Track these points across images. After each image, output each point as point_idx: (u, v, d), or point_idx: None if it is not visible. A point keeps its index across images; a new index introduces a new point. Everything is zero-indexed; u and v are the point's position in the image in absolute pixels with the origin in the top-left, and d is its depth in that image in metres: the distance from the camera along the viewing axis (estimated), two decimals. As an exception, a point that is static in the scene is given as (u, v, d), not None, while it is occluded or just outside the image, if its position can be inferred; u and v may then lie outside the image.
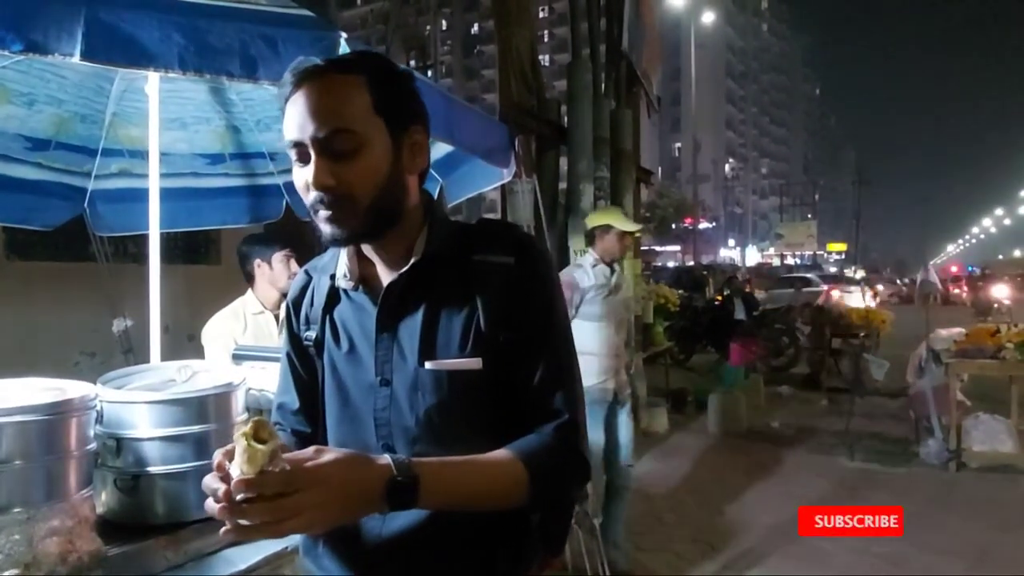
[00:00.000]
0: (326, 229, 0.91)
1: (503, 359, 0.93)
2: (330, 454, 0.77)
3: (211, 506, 0.75)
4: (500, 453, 0.89)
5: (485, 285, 0.93)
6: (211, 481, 0.76)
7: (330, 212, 0.89)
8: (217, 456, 0.77)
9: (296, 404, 1.07)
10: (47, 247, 4.64)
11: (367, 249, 0.99)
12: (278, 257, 2.64)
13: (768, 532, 3.92)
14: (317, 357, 1.03)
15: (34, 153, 2.65)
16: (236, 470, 0.73)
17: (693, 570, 3.50)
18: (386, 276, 0.98)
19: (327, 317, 1.02)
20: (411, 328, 0.95)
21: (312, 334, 1.03)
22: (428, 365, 0.92)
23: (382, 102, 0.90)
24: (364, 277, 1.00)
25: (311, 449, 0.78)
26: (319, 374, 1.04)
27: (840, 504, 4.44)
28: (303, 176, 0.90)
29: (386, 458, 0.81)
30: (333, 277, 1.02)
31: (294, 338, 1.07)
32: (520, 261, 0.95)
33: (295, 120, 0.89)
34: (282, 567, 1.51)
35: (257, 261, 2.67)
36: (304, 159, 0.90)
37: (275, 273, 2.65)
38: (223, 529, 0.74)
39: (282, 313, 2.72)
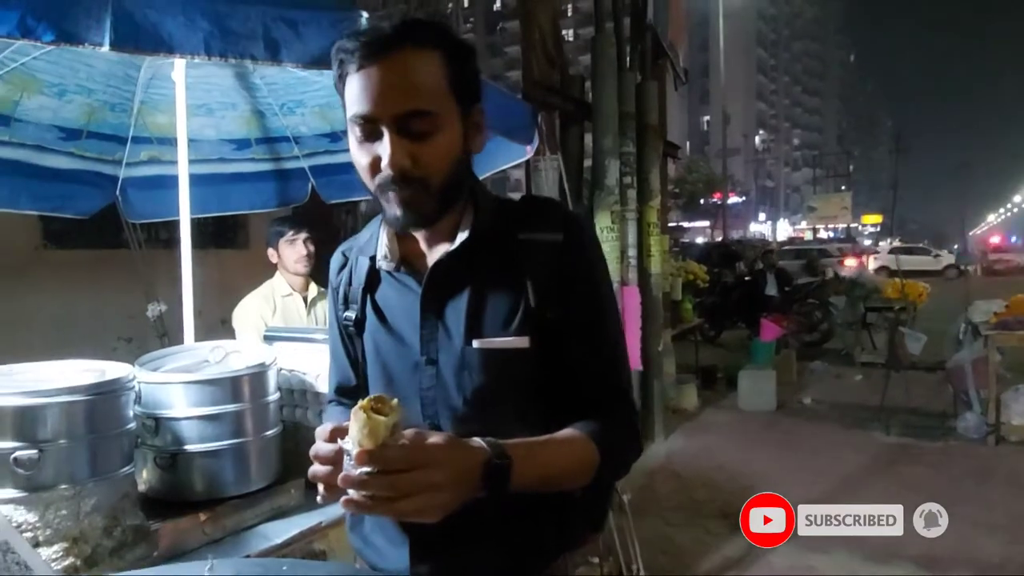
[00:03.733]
0: (396, 212, 0.87)
1: (551, 337, 0.91)
2: (435, 436, 0.75)
3: (318, 470, 0.75)
4: (573, 433, 0.88)
5: (534, 263, 0.91)
6: (323, 447, 0.76)
7: (403, 195, 0.85)
8: (323, 431, 0.77)
9: (354, 381, 1.06)
10: (82, 235, 4.74)
11: None
12: (283, 242, 2.70)
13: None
14: (358, 337, 1.03)
15: (67, 143, 2.72)
16: (353, 445, 0.70)
17: (723, 545, 3.49)
18: (430, 254, 0.97)
19: (367, 297, 1.01)
20: (457, 307, 0.93)
21: (352, 315, 1.02)
22: (475, 344, 0.91)
23: (455, 79, 0.87)
24: (405, 256, 0.97)
25: (412, 430, 0.75)
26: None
27: (877, 477, 4.41)
28: (370, 153, 0.85)
29: (478, 441, 0.78)
30: (372, 258, 1.00)
31: (338, 320, 1.06)
32: (568, 238, 0.93)
33: (368, 94, 0.83)
34: (315, 542, 1.55)
35: (271, 249, 2.75)
36: (371, 136, 0.85)
37: (283, 258, 2.72)
38: (343, 499, 0.72)
39: (311, 294, 2.77)
